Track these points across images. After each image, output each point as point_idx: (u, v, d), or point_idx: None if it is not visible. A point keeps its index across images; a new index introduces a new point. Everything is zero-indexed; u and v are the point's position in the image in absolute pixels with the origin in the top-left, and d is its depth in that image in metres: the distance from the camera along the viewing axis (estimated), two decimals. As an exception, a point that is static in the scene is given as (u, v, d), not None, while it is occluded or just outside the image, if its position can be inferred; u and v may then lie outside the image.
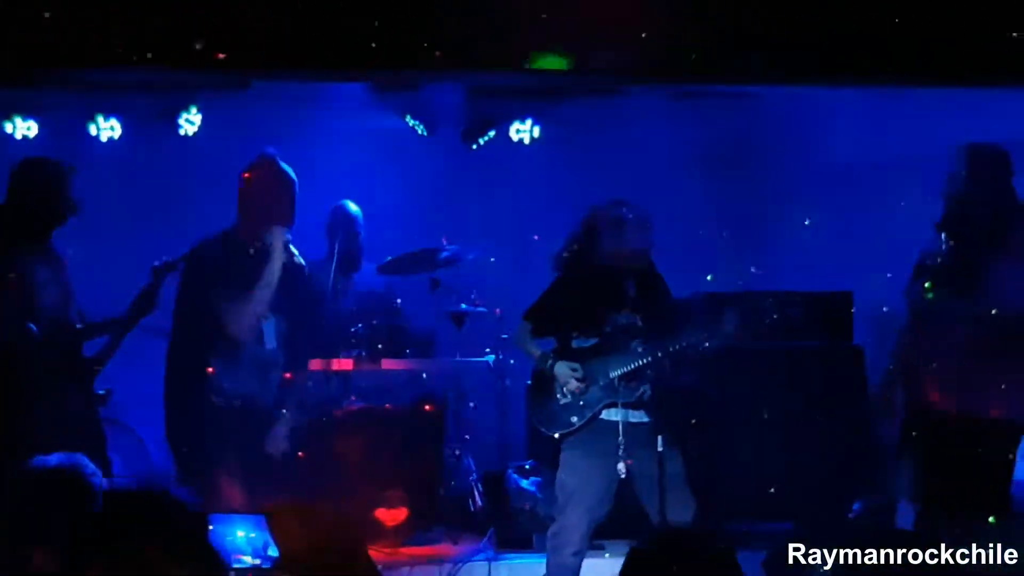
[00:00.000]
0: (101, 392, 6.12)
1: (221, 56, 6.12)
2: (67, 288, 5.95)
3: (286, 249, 5.23)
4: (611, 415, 5.65)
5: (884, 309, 7.00)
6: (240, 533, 2.21)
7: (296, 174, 5.85)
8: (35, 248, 5.84)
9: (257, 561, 2.22)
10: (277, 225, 5.28)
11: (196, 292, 5.27)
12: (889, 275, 5.76)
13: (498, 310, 7.49)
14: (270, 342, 5.42)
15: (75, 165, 6.04)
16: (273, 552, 2.20)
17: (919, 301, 5.18)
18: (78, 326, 5.95)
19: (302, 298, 5.47)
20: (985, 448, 5.11)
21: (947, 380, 5.18)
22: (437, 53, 6.23)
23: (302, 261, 5.33)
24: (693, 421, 6.83)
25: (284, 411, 5.45)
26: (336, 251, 7.53)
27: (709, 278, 7.32)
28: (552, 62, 6.17)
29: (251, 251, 5.27)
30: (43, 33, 6.01)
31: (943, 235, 5.30)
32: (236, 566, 2.27)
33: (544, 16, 6.20)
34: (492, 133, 8.79)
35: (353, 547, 2.29)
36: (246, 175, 5.39)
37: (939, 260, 5.13)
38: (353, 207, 7.96)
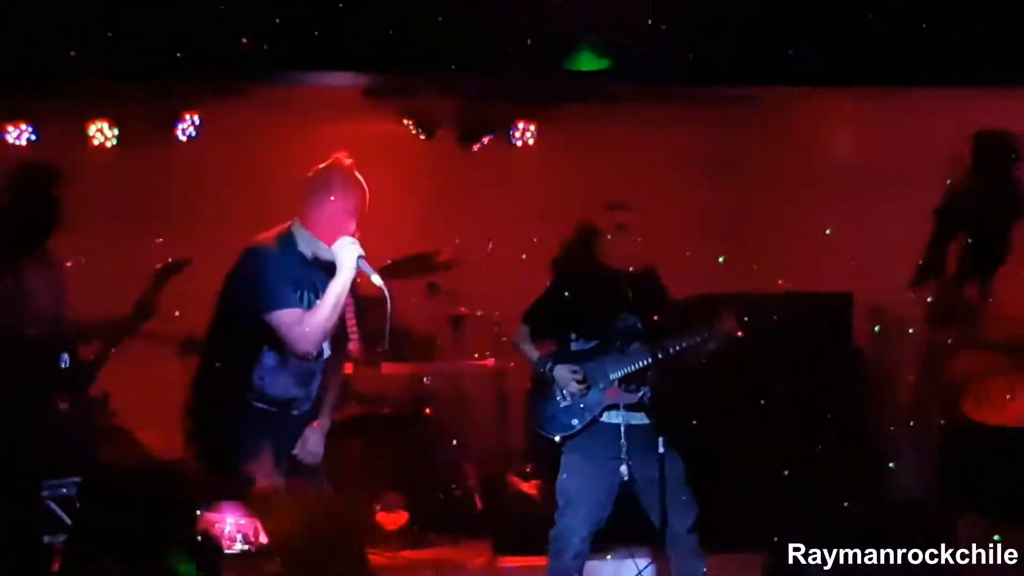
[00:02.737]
0: (98, 396, 6.12)
1: (220, 61, 6.12)
2: (61, 293, 5.95)
3: (359, 263, 4.95)
4: (612, 417, 5.64)
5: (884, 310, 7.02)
6: (230, 519, 2.19)
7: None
8: (29, 253, 5.84)
9: (247, 547, 2.20)
10: (346, 236, 5.01)
11: (250, 291, 5.00)
12: (890, 276, 5.76)
13: (497, 313, 7.49)
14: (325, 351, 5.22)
15: (65, 172, 6.02)
16: (263, 538, 2.20)
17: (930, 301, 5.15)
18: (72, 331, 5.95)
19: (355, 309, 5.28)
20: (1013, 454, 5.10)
21: (980, 387, 5.15)
22: (436, 57, 6.23)
23: (379, 281, 5.01)
24: (694, 423, 6.83)
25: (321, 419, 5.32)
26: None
27: (721, 260, 7.27)
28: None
29: (312, 260, 5.05)
30: (42, 39, 6.00)
31: (942, 221, 5.26)
32: (227, 551, 2.26)
33: (543, 19, 6.21)
34: (490, 136, 8.79)
35: (344, 531, 2.30)
36: (324, 177, 5.12)
37: (946, 255, 5.10)
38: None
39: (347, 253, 4.95)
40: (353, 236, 5.01)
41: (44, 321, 5.81)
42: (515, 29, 6.20)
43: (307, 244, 5.05)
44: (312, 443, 5.24)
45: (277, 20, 6.08)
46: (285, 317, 4.94)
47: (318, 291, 5.00)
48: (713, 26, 6.27)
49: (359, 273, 5.02)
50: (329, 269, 4.98)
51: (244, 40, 5.98)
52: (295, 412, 5.16)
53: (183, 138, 8.36)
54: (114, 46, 6.18)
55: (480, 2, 6.21)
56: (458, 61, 6.34)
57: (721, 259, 7.21)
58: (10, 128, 8.21)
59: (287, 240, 5.08)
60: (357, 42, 6.18)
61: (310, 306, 4.98)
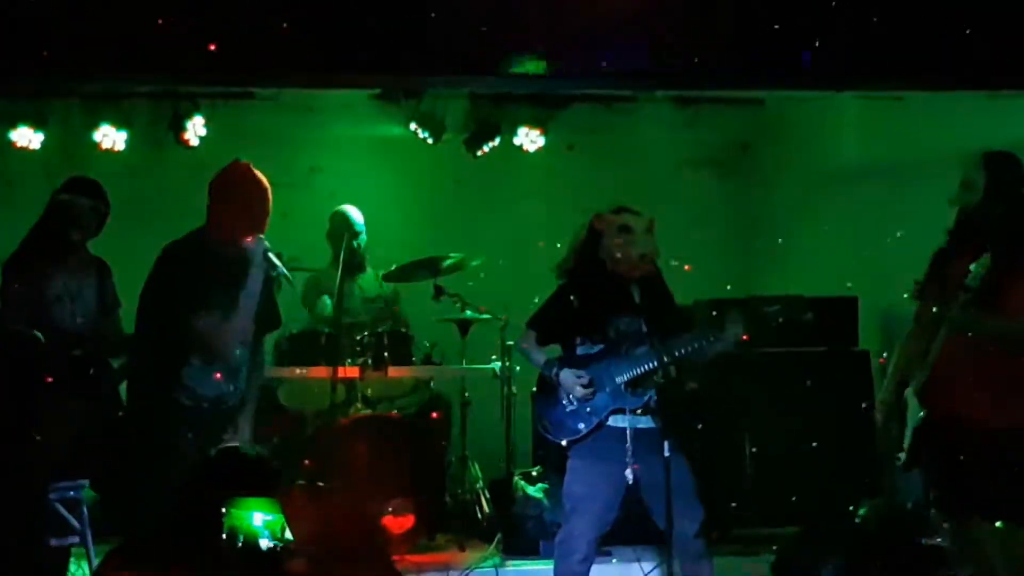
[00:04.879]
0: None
1: (225, 64, 6.13)
2: (96, 301, 6.01)
3: (266, 259, 5.26)
4: (618, 421, 5.62)
5: (889, 313, 7.01)
6: (258, 515, 2.22)
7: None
8: (58, 260, 5.91)
9: (274, 543, 2.23)
10: (256, 234, 5.30)
11: (171, 296, 5.28)
12: (896, 279, 5.76)
13: (503, 317, 7.49)
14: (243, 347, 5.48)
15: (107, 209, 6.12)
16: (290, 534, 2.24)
17: (931, 310, 5.17)
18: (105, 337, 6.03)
19: (271, 306, 5.51)
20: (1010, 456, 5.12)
21: (977, 389, 5.17)
22: (441, 60, 6.24)
23: (284, 271, 5.35)
24: (700, 426, 6.83)
25: (247, 407, 5.52)
26: (342, 255, 7.58)
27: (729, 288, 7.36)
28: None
29: (230, 260, 5.29)
30: (48, 43, 6.02)
31: (955, 242, 5.30)
32: (252, 547, 2.31)
33: (550, 23, 6.21)
34: (497, 140, 8.80)
35: (365, 529, 2.32)
36: (223, 181, 5.39)
37: (977, 276, 5.12)
38: (353, 211, 7.98)
39: (256, 251, 5.15)
40: (260, 234, 5.21)
41: (64, 328, 5.86)
42: (520, 34, 6.21)
43: (218, 246, 5.23)
44: (246, 433, 5.39)
45: (284, 24, 6.09)
46: (203, 324, 5.21)
47: (232, 291, 5.18)
48: (719, 30, 6.27)
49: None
50: (241, 268, 5.17)
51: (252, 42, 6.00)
52: (223, 407, 5.33)
53: (189, 142, 8.37)
54: (122, 49, 6.19)
55: (486, 7, 6.22)
56: (466, 66, 6.35)
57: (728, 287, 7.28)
58: (19, 131, 8.25)
59: (200, 243, 5.26)
60: (365, 47, 6.19)
61: (226, 306, 5.17)
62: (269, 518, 2.40)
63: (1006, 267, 5.08)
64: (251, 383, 5.60)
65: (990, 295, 5.05)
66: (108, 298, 6.15)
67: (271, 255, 5.31)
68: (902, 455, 5.35)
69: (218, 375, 5.33)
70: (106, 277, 6.15)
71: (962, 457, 5.14)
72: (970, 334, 5.10)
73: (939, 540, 5.36)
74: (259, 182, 5.38)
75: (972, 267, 5.02)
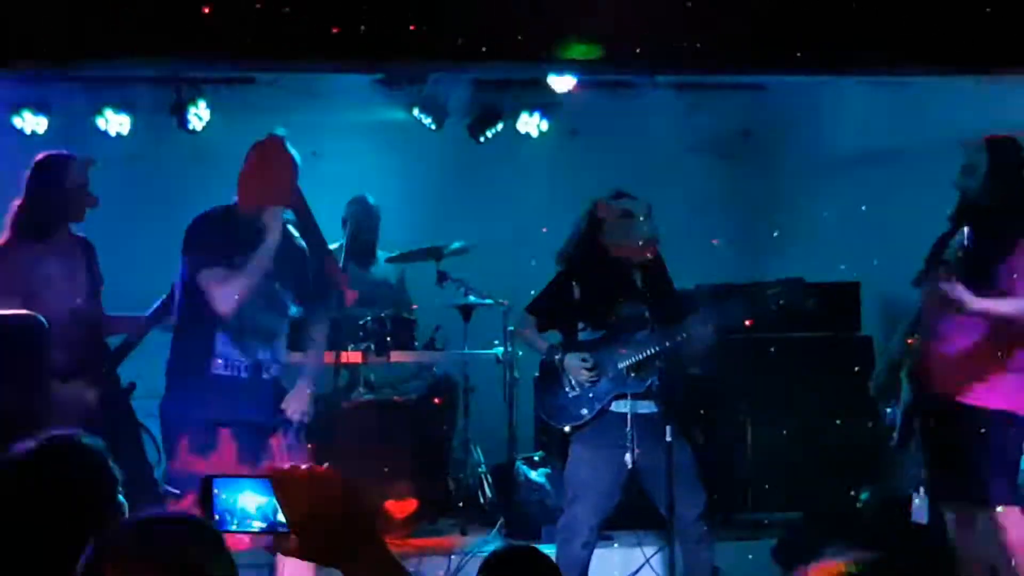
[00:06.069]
0: (123, 386, 6.14)
1: (229, 49, 6.13)
2: (87, 280, 5.98)
3: (284, 230, 5.27)
4: (620, 406, 5.64)
5: (891, 299, 7.02)
6: (249, 497, 2.21)
7: (304, 167, 5.86)
8: (46, 241, 5.86)
9: (265, 525, 2.23)
10: (274, 205, 5.30)
11: (191, 258, 5.31)
12: (897, 264, 5.77)
13: (505, 302, 7.50)
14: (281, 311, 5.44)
15: (93, 159, 6.07)
16: (282, 516, 2.23)
17: (932, 291, 5.18)
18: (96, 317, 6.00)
19: (308, 276, 5.48)
20: (996, 439, 5.13)
21: (960, 370, 5.19)
22: (445, 44, 6.23)
23: (303, 244, 5.38)
24: (701, 411, 6.85)
25: (300, 381, 5.45)
26: (347, 241, 7.58)
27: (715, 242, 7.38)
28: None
29: (246, 227, 5.30)
30: (51, 26, 6.02)
31: (957, 226, 5.31)
32: (245, 529, 2.29)
33: (552, 9, 6.20)
34: (500, 126, 8.80)
35: (360, 512, 2.30)
36: (252, 150, 5.42)
37: (955, 251, 5.13)
38: (371, 200, 8.01)
39: (270, 218, 5.17)
40: (281, 205, 5.24)
41: (61, 310, 5.84)
42: (524, 17, 6.20)
43: (240, 213, 5.27)
44: (297, 399, 5.34)
45: (287, 9, 6.08)
46: (208, 276, 5.19)
47: (244, 253, 5.22)
48: (720, 13, 6.26)
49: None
50: (257, 234, 5.20)
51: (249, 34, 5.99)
52: (265, 376, 5.28)
53: (192, 126, 8.38)
54: (123, 33, 6.18)
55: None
56: (470, 50, 6.34)
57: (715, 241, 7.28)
58: (22, 117, 8.26)
59: (225, 211, 5.29)
60: (367, 31, 6.18)
61: (235, 265, 5.19)
62: (262, 500, 2.38)
63: (995, 244, 5.09)
64: (307, 358, 5.58)
65: (977, 271, 5.07)
66: (96, 277, 6.12)
67: (291, 227, 5.34)
68: (894, 434, 5.37)
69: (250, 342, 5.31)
70: (92, 255, 6.10)
71: (950, 438, 5.16)
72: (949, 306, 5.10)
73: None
74: (284, 154, 5.39)
75: (951, 242, 5.05)
